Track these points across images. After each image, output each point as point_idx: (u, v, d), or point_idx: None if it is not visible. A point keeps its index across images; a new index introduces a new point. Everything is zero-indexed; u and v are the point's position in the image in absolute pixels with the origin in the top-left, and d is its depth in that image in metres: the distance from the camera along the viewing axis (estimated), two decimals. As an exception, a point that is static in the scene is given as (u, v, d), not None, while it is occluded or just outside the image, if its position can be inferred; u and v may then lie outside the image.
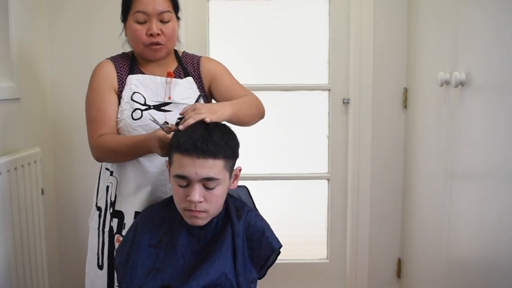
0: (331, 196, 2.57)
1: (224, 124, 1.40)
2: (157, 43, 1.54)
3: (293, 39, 2.49)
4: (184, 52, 1.71)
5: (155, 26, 1.53)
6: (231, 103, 1.49)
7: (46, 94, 2.32)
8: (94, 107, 1.55)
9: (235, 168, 1.40)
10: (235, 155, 1.37)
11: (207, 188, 1.30)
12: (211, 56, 2.47)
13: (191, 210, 1.31)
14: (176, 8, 1.60)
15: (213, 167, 1.28)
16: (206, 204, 1.31)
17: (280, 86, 2.52)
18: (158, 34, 1.53)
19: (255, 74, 2.51)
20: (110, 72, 1.58)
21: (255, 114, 1.62)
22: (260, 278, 1.47)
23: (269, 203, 2.57)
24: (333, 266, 2.61)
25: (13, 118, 2.01)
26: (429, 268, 2.08)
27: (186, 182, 1.30)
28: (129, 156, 1.50)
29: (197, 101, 1.59)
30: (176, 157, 1.30)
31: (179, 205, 1.34)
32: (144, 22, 1.53)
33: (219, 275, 1.33)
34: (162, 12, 1.53)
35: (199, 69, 1.66)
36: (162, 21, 1.54)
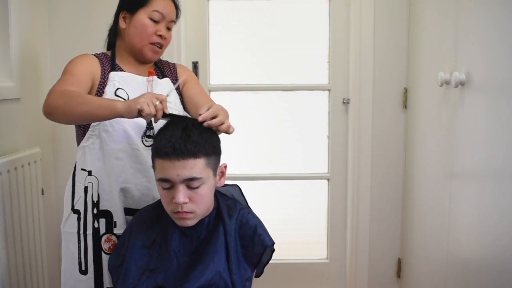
0: (331, 196, 2.57)
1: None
2: (160, 45, 1.61)
3: (293, 39, 2.49)
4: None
5: (164, 30, 1.61)
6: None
7: (46, 94, 2.31)
8: (70, 72, 1.53)
9: (220, 165, 1.40)
10: (217, 152, 1.36)
11: (191, 188, 1.30)
12: (211, 56, 2.49)
13: (178, 212, 1.31)
14: (176, 20, 1.69)
15: (194, 167, 1.28)
16: (192, 205, 1.31)
17: (280, 86, 2.52)
18: (164, 38, 1.61)
19: (255, 74, 2.51)
20: (95, 63, 1.59)
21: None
22: (257, 277, 1.47)
23: (269, 203, 2.57)
24: (333, 266, 2.61)
25: (13, 118, 2.01)
26: (429, 268, 2.08)
27: (169, 184, 1.30)
28: (91, 104, 1.38)
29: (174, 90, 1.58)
30: (158, 161, 1.31)
31: (167, 208, 1.34)
32: (156, 22, 1.59)
33: (213, 275, 1.33)
34: (172, 21, 1.63)
35: (176, 73, 1.74)
36: (168, 28, 1.63)
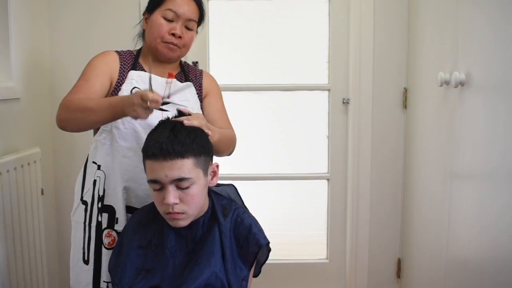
0: (331, 196, 2.57)
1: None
2: (175, 44, 1.59)
3: (293, 39, 2.49)
4: (185, 61, 1.76)
5: (179, 29, 1.58)
6: (220, 131, 1.53)
7: (46, 94, 2.32)
8: (85, 77, 1.56)
9: (212, 164, 1.40)
10: (206, 151, 1.35)
11: (181, 188, 1.30)
12: (211, 55, 2.49)
13: (170, 213, 1.31)
14: (200, 21, 1.67)
15: (182, 167, 1.28)
16: (183, 205, 1.31)
17: (280, 86, 2.52)
18: (179, 37, 1.59)
19: (255, 74, 2.51)
20: (114, 62, 1.60)
21: (228, 150, 1.66)
22: (255, 276, 1.47)
23: (269, 203, 2.57)
24: (333, 266, 2.61)
25: (13, 118, 2.01)
26: (429, 268, 2.08)
27: (159, 185, 1.30)
28: (97, 114, 1.44)
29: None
30: (147, 163, 1.31)
31: (159, 209, 1.35)
32: (170, 21, 1.58)
33: (209, 275, 1.33)
34: (190, 19, 1.60)
35: (201, 79, 1.72)
36: (186, 27, 1.61)
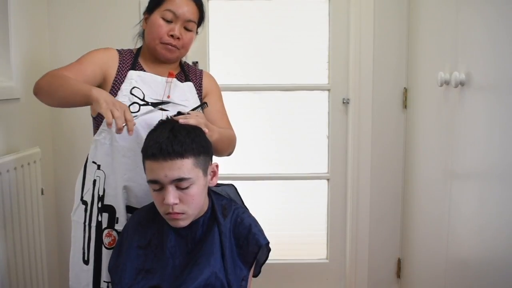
0: (331, 196, 2.57)
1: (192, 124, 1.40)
2: (173, 45, 1.59)
3: (293, 39, 2.49)
4: (185, 61, 1.76)
5: (178, 30, 1.58)
6: (219, 130, 1.53)
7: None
8: (79, 61, 1.58)
9: (211, 164, 1.40)
10: (206, 151, 1.35)
11: (181, 188, 1.30)
12: (211, 56, 2.49)
13: (170, 213, 1.31)
14: (200, 22, 1.66)
15: (181, 167, 1.28)
16: (183, 205, 1.31)
17: (280, 86, 2.52)
18: (178, 38, 1.58)
19: (255, 74, 2.51)
20: (113, 59, 1.60)
21: (227, 150, 1.66)
22: (255, 276, 1.47)
23: (269, 203, 2.57)
24: (332, 266, 2.61)
25: (13, 118, 2.02)
26: (429, 268, 2.08)
27: (159, 186, 1.30)
28: (64, 90, 1.42)
29: (202, 107, 1.59)
30: (147, 163, 1.31)
31: (159, 209, 1.35)
32: (169, 22, 1.58)
33: (209, 275, 1.33)
34: (189, 20, 1.59)
35: (201, 79, 1.72)
36: (186, 28, 1.60)
